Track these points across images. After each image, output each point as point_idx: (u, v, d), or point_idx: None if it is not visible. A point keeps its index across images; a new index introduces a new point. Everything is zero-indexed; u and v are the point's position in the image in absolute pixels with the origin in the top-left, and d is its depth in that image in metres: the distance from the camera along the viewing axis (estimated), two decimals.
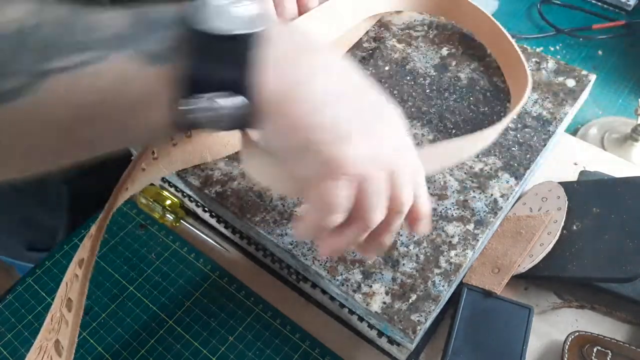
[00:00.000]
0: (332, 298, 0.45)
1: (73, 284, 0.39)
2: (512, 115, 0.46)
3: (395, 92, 0.53)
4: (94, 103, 0.26)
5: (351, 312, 0.44)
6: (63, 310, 0.38)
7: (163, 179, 0.53)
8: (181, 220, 0.55)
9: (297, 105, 0.28)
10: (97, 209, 0.48)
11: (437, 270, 0.41)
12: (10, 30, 0.24)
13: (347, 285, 0.41)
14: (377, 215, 0.31)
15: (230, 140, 0.47)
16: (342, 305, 0.44)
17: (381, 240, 0.34)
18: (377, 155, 0.30)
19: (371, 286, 0.41)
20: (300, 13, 0.49)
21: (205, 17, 0.26)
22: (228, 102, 0.27)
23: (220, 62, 0.26)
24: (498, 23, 0.52)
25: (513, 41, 0.51)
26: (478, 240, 0.43)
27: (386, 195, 0.31)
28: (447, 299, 0.43)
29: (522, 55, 0.50)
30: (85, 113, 0.26)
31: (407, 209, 0.33)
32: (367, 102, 0.31)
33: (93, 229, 0.40)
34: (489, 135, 0.44)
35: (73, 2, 0.27)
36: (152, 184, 0.56)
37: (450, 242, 0.43)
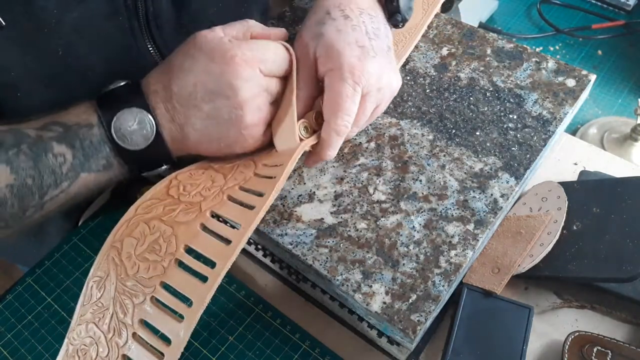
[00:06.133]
0: (332, 298, 0.45)
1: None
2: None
3: None
4: (77, 197, 0.42)
5: (351, 312, 0.44)
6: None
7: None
8: None
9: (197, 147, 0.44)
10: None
11: (437, 270, 0.41)
12: (5, 192, 0.39)
13: (347, 285, 0.41)
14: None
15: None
16: (342, 305, 0.44)
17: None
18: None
19: (371, 286, 0.41)
20: None
21: (123, 139, 0.40)
22: (161, 169, 0.44)
23: (144, 163, 0.43)
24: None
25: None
26: (478, 240, 0.43)
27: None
28: (447, 299, 0.43)
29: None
30: (70, 203, 0.43)
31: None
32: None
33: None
34: None
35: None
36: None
37: (450, 242, 0.43)
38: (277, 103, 0.44)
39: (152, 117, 0.41)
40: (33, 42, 0.43)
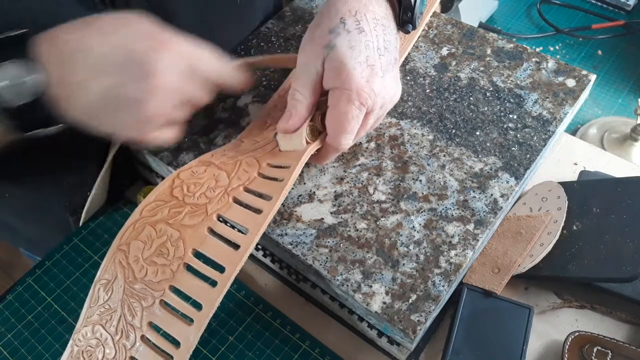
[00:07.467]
0: (332, 298, 0.45)
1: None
2: None
3: None
4: None
5: (351, 312, 0.44)
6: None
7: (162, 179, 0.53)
8: None
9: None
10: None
11: (437, 270, 0.41)
12: None
13: (347, 285, 0.41)
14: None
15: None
16: (342, 305, 0.44)
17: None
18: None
19: (371, 286, 0.41)
20: None
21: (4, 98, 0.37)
22: (46, 130, 0.40)
23: (25, 122, 0.39)
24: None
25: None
26: (478, 240, 0.43)
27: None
28: (447, 299, 0.43)
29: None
30: None
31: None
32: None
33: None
34: None
35: None
36: (150, 184, 0.56)
37: (450, 242, 0.43)
38: (189, 107, 0.42)
39: (36, 71, 0.36)
40: None
